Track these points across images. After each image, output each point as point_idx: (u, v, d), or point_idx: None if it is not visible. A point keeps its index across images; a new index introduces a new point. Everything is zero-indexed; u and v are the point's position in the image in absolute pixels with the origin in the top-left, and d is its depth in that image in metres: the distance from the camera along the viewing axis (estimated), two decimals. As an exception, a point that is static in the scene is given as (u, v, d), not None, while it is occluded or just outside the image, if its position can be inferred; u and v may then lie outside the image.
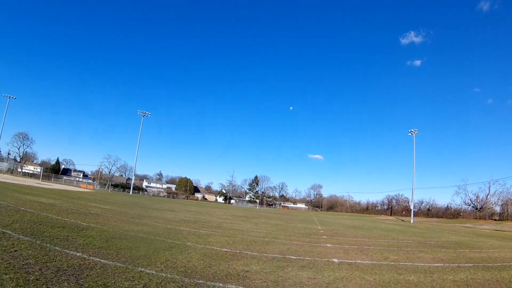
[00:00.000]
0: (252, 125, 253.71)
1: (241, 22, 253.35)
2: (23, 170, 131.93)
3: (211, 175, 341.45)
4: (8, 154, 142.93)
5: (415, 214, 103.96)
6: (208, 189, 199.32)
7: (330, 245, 19.55)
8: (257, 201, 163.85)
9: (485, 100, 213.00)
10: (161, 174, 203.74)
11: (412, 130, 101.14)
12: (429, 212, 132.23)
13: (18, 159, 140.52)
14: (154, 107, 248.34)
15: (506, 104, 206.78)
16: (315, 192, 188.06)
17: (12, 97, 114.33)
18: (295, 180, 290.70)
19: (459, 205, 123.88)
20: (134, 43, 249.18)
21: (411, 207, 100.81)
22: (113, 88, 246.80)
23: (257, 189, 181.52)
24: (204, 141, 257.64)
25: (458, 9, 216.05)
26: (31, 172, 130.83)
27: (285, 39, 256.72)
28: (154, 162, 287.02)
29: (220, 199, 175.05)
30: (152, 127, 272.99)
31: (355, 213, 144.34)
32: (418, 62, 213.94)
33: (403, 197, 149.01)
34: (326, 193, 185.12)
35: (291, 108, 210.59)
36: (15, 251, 9.53)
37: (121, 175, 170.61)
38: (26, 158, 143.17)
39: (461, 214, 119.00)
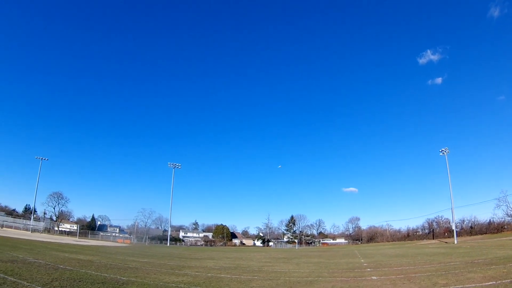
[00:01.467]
0: (284, 166, 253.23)
1: (265, 64, 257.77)
2: (60, 229, 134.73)
3: (247, 220, 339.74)
4: (44, 213, 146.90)
5: (458, 234, 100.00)
6: (245, 234, 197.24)
7: (375, 278, 19.02)
8: (296, 241, 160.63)
9: (510, 108, 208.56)
10: (197, 223, 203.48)
11: (443, 149, 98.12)
12: (472, 230, 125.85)
13: (54, 218, 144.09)
14: (183, 158, 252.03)
15: None
16: (353, 225, 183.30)
17: (45, 159, 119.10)
18: (332, 215, 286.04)
19: (502, 218, 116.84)
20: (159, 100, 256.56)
21: (453, 227, 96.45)
22: (142, 142, 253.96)
23: (294, 229, 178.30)
24: (237, 187, 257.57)
25: (469, 19, 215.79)
26: (68, 230, 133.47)
27: (305, 69, 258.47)
28: (189, 211, 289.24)
29: (258, 243, 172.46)
30: (183, 177, 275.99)
31: (396, 242, 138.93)
32: (439, 80, 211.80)
33: (443, 219, 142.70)
34: (364, 225, 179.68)
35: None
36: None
37: (157, 227, 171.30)
38: (62, 217, 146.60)
39: (505, 227, 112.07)
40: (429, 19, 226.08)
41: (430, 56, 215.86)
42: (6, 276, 14.22)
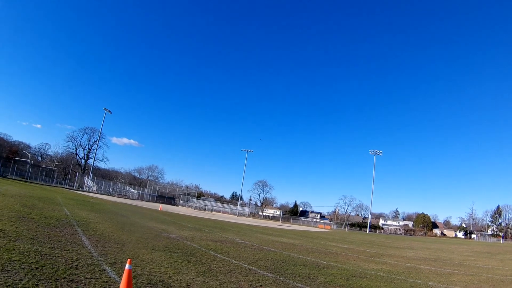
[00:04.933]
0: (488, 152, 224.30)
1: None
2: (264, 213, 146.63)
3: (450, 209, 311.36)
4: (250, 199, 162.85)
5: None
6: (447, 224, 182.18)
7: None
8: (501, 234, 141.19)
9: None
10: (397, 211, 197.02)
11: None
12: None
13: (259, 203, 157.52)
14: (385, 145, 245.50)
15: None
16: None
17: (250, 151, 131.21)
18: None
19: None
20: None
21: None
22: (343, 128, 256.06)
23: (500, 220, 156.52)
24: (442, 173, 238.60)
25: None
26: (271, 215, 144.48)
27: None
28: (390, 199, 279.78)
29: (460, 234, 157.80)
30: (385, 164, 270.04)
31: None
32: None
33: None
34: None
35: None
36: (260, 286, 9.66)
37: (357, 214, 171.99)
38: (266, 203, 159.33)
39: None
40: None
41: None
42: (216, 254, 15.32)
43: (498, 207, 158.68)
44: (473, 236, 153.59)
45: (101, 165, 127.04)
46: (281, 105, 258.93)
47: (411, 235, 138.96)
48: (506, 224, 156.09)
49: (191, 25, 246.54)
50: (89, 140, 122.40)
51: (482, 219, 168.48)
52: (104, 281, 7.94)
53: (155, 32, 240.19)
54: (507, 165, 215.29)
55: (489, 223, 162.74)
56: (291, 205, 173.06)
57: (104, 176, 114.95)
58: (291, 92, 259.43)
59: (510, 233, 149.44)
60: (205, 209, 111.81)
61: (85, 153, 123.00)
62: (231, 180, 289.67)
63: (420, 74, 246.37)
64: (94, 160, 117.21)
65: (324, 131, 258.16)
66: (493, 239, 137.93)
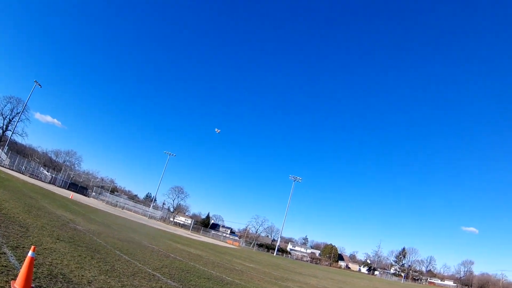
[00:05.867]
0: (402, 195, 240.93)
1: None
2: (175, 220, 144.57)
3: (357, 243, 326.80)
4: (163, 204, 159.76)
5: None
6: (353, 258, 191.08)
7: None
8: (403, 274, 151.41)
9: None
10: (307, 238, 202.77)
11: None
12: None
13: (172, 209, 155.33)
14: (305, 172, 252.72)
15: None
16: (466, 269, 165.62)
17: (172, 155, 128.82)
18: (445, 254, 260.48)
19: None
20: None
21: None
22: (266, 152, 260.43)
23: (403, 261, 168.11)
24: (352, 209, 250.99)
25: None
26: (182, 222, 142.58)
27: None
28: (302, 226, 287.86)
29: (364, 269, 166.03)
30: (302, 191, 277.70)
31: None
32: None
33: None
34: (478, 270, 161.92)
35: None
36: (162, 294, 9.75)
37: (267, 236, 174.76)
38: (179, 210, 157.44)
39: None
40: None
41: None
42: (121, 254, 15.15)
43: (403, 249, 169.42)
44: (376, 272, 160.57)
45: (19, 139, 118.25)
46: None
47: (316, 263, 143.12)
48: (409, 265, 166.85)
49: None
50: (12, 111, 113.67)
51: (387, 258, 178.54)
52: (2, 265, 7.72)
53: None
54: (415, 209, 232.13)
55: (393, 263, 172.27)
56: (204, 216, 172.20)
57: (20, 152, 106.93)
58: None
59: (411, 274, 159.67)
60: (116, 205, 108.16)
61: (5, 124, 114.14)
62: (148, 180, 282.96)
63: (340, 106, 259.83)
64: (12, 133, 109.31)
65: (246, 154, 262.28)
66: (395, 278, 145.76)
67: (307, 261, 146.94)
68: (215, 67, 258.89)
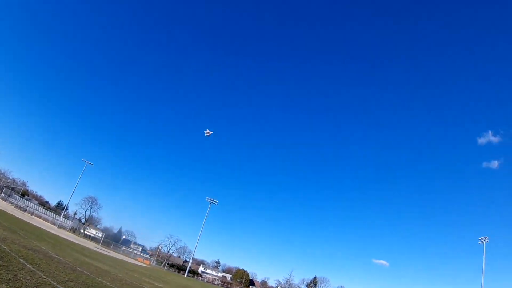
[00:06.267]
0: (316, 223, 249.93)
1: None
2: (85, 232, 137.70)
3: (269, 269, 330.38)
4: (75, 213, 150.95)
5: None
6: (264, 284, 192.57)
7: None
8: None
9: None
10: (219, 262, 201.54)
11: (483, 237, 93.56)
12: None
13: (83, 220, 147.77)
14: (221, 195, 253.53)
15: None
16: None
17: (90, 163, 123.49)
18: (356, 284, 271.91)
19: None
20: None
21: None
22: (183, 172, 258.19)
23: None
24: (266, 234, 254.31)
25: None
26: (92, 235, 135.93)
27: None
28: (214, 248, 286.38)
29: None
30: (217, 214, 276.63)
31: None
32: (495, 164, 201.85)
33: None
34: None
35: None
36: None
37: (179, 256, 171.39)
38: (90, 221, 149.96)
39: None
40: (498, 97, 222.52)
41: (490, 137, 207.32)
42: (26, 263, 14.56)
43: (315, 278, 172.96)
44: None
45: None
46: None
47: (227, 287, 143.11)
48: None
49: None
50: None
51: (298, 286, 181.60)
52: None
53: None
54: (327, 239, 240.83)
55: None
56: (116, 230, 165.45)
57: None
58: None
59: None
60: (26, 210, 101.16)
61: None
62: (62, 187, 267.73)
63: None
64: None
65: (166, 170, 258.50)
66: None
67: (218, 284, 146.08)
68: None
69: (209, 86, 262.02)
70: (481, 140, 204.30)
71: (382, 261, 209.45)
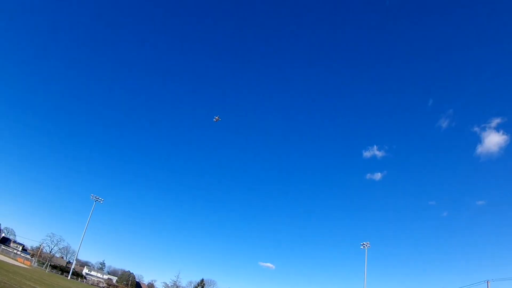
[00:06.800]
0: (203, 226, 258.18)
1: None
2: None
3: (156, 272, 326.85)
4: None
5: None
6: (151, 287, 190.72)
7: None
8: None
9: (440, 212, 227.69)
10: (104, 263, 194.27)
11: (365, 243, 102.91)
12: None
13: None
14: (107, 193, 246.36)
15: (460, 215, 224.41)
16: None
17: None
18: (244, 286, 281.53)
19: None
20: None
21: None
22: (68, 165, 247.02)
23: None
24: (153, 235, 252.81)
25: (419, 125, 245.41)
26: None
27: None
28: (99, 249, 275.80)
29: None
30: (103, 213, 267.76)
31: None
32: (378, 175, 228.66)
33: None
34: None
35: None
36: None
37: (62, 257, 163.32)
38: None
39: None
40: (382, 117, 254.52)
41: (375, 151, 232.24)
42: None
43: (202, 280, 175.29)
44: None
45: None
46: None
47: None
48: None
49: None
50: None
51: None
52: None
53: None
54: (215, 243, 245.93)
55: None
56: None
57: None
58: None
59: None
60: None
61: None
62: None
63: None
64: None
65: (48, 163, 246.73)
66: None
67: (103, 287, 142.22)
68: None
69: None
70: (366, 154, 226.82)
71: (268, 264, 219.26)
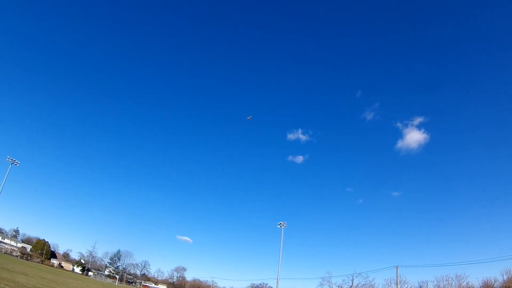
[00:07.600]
0: (121, 198, 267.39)
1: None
2: None
3: (72, 241, 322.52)
4: None
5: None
6: (66, 257, 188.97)
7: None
8: (117, 277, 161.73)
9: (356, 199, 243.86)
10: (18, 231, 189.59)
11: (282, 222, 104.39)
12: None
13: None
14: (24, 153, 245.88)
15: (375, 203, 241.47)
16: (178, 275, 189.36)
17: None
18: (161, 259, 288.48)
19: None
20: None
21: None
22: None
23: (118, 264, 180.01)
24: (70, 204, 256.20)
25: (345, 114, 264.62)
26: None
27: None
28: (13, 215, 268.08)
29: (78, 270, 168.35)
30: (18, 177, 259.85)
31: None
32: (300, 158, 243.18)
33: (267, 286, 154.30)
34: (190, 276, 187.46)
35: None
36: None
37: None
38: None
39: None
40: (310, 102, 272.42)
41: (299, 134, 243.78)
42: None
43: (118, 251, 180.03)
44: (90, 273, 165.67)
45: None
46: None
47: (27, 259, 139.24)
48: (124, 268, 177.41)
49: None
50: None
51: (102, 259, 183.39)
52: None
53: None
54: (132, 214, 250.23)
55: (108, 265, 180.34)
56: None
57: None
58: None
59: (126, 277, 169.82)
60: None
61: None
62: None
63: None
64: None
65: None
66: (109, 280, 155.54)
67: (17, 256, 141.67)
68: None
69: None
70: (290, 136, 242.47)
71: (186, 238, 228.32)
